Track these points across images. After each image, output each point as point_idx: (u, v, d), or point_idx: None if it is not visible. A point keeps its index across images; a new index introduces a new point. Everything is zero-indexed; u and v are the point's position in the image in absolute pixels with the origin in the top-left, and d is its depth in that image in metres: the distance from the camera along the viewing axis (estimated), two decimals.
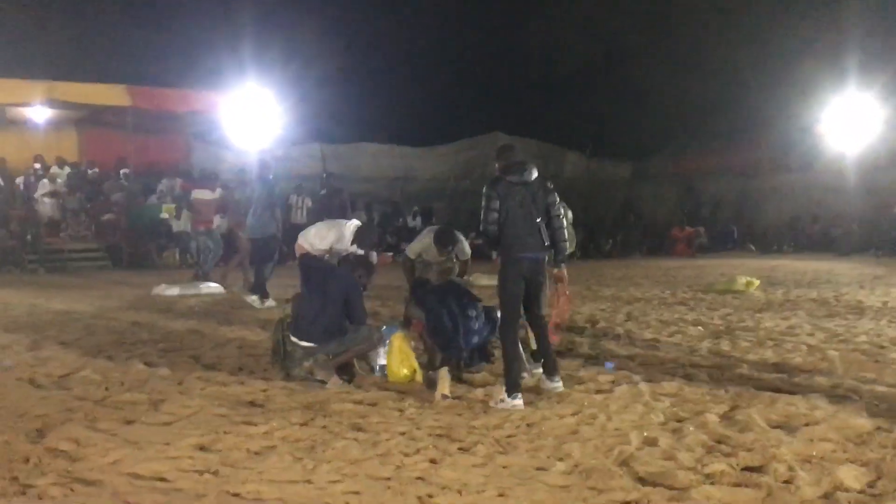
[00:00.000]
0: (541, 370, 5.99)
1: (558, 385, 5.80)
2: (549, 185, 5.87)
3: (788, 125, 23.92)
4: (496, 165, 5.99)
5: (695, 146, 28.66)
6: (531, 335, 6.26)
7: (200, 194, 15.04)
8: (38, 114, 19.76)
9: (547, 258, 5.85)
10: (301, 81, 21.38)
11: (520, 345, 5.94)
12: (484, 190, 5.68)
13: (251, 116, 19.70)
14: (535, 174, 5.72)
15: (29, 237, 17.94)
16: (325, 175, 14.17)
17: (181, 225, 19.15)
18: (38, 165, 20.04)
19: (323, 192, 12.63)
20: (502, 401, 5.43)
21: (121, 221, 19.17)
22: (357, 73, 27.96)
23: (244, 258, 12.93)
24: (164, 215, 19.41)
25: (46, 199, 19.27)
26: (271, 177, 11.59)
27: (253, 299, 10.88)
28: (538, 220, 5.66)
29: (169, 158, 22.59)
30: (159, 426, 4.94)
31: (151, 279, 14.65)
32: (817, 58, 23.00)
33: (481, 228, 5.64)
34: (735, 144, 27.05)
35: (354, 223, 7.95)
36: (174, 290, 12.59)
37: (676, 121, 29.73)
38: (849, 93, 21.03)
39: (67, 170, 20.59)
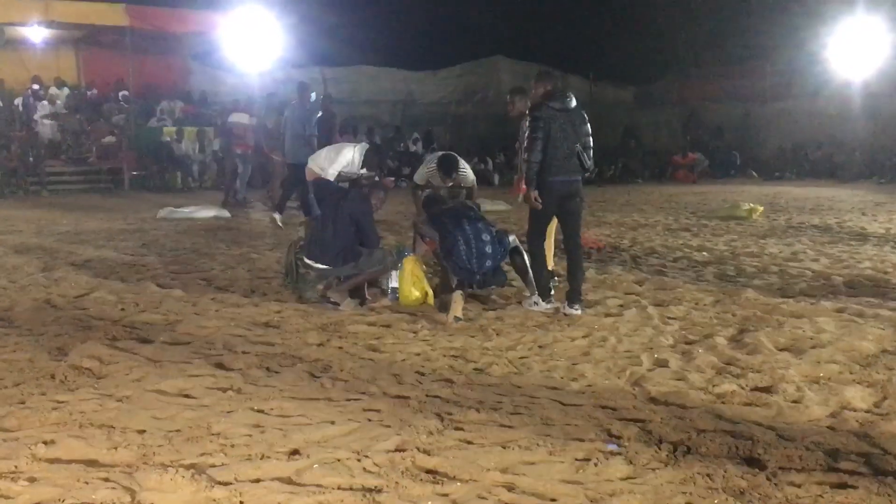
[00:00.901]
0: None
1: (577, 311, 5.94)
2: (585, 114, 6.10)
3: (794, 51, 23.62)
4: (536, 91, 6.14)
5: (698, 72, 28.38)
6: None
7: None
8: (35, 34, 19.40)
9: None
10: (302, 2, 21.01)
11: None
12: (528, 117, 5.96)
13: (251, 38, 19.39)
14: (574, 102, 6.00)
15: (30, 159, 17.84)
16: (321, 97, 14.01)
17: (183, 147, 19.12)
18: (36, 86, 19.78)
19: (319, 115, 12.71)
20: (536, 303, 5.98)
21: (121, 143, 19.04)
22: None
23: (277, 180, 13.03)
24: (166, 138, 19.31)
25: (46, 121, 19.11)
26: (311, 102, 11.57)
27: (275, 217, 11.03)
28: (576, 145, 5.94)
29: (168, 80, 22.29)
30: (179, 346, 5.04)
31: (155, 201, 14.68)
32: None
33: (527, 156, 5.86)
34: (739, 70, 26.77)
35: (363, 146, 7.93)
36: (179, 213, 12.61)
37: (680, 46, 29.35)
38: (856, 17, 20.71)
39: (66, 91, 20.35)
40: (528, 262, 6.26)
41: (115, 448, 3.33)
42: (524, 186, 6.01)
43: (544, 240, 6.27)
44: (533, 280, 6.26)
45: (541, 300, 6.07)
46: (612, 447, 3.22)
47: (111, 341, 5.08)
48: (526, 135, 6.00)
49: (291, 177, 11.32)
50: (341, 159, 7.85)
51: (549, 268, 6.62)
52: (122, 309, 6.04)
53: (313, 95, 11.67)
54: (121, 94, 20.38)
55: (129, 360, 4.64)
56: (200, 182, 19.40)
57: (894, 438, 3.41)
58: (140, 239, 10.13)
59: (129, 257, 8.59)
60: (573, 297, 6.01)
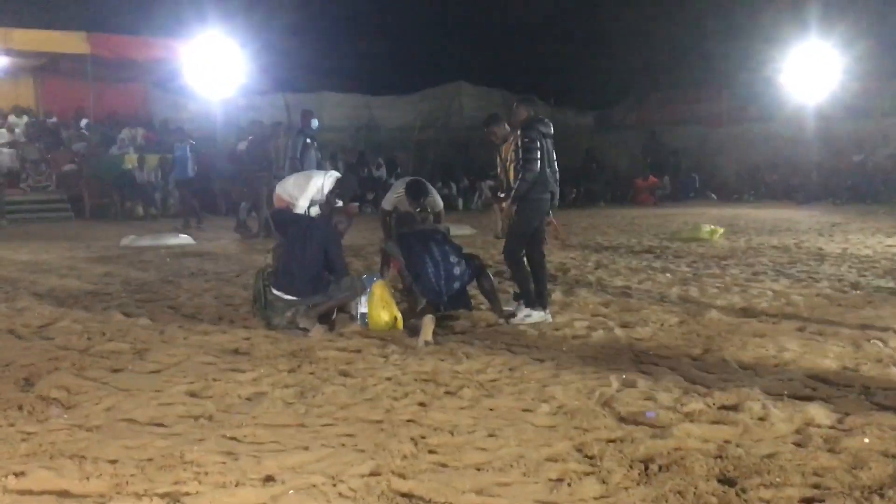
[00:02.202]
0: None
1: (548, 317, 6.36)
2: None
3: (750, 75, 24.14)
4: (519, 115, 6.49)
5: (657, 96, 28.86)
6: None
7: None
8: None
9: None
10: (264, 30, 21.07)
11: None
12: (524, 136, 6.30)
13: (213, 65, 19.39)
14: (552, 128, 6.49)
15: None
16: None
17: (144, 175, 18.99)
18: None
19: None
20: (529, 316, 6.23)
21: (82, 171, 18.86)
22: (320, 22, 27.58)
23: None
24: (128, 166, 19.16)
25: (4, 150, 18.89)
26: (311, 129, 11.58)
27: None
28: (551, 166, 6.43)
29: (129, 107, 22.20)
30: (147, 374, 5.01)
31: (117, 230, 14.54)
32: (778, 6, 23.15)
33: (529, 168, 6.23)
34: (696, 94, 27.27)
35: (334, 174, 7.94)
36: (143, 241, 12.51)
37: (639, 70, 29.83)
38: (809, 42, 21.24)
39: (25, 119, 20.16)
40: (495, 283, 6.62)
41: (87, 478, 3.30)
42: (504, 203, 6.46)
43: (523, 255, 6.54)
44: (499, 301, 6.46)
45: (532, 311, 6.31)
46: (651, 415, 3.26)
47: (79, 371, 5.03)
48: (521, 154, 6.27)
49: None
50: (311, 187, 7.84)
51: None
52: (89, 338, 5.98)
53: (314, 122, 11.60)
54: (82, 121, 20.21)
55: (98, 390, 4.60)
56: (163, 210, 19.27)
57: (858, 453, 3.49)
58: (104, 267, 10.03)
59: (93, 286, 8.51)
60: (544, 301, 6.40)
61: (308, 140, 11.32)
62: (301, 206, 7.62)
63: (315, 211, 7.53)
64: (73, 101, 20.63)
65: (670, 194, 24.57)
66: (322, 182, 7.80)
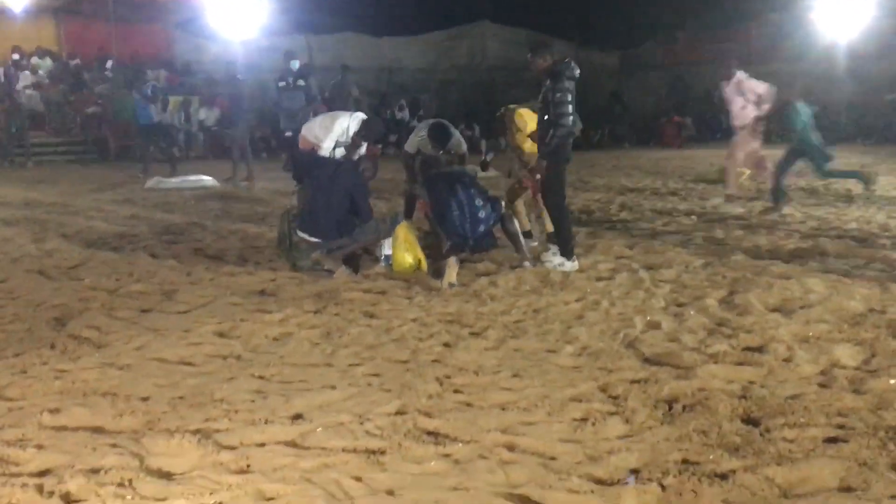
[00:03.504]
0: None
1: (576, 266, 6.33)
2: None
3: (780, 13, 23.57)
4: (542, 63, 6.24)
5: (684, 36, 28.25)
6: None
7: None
8: (15, 3, 19.15)
9: None
10: None
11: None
12: (555, 89, 6.06)
13: (235, 5, 19.19)
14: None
15: (14, 130, 17.69)
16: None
17: (168, 118, 18.96)
18: (17, 56, 19.57)
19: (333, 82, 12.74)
20: (562, 265, 6.20)
21: (106, 114, 18.88)
22: None
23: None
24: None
25: (28, 91, 18.93)
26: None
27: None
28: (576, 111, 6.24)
29: (151, 49, 22.08)
30: (176, 314, 5.09)
31: (142, 172, 14.60)
32: None
33: (562, 123, 6.06)
34: (725, 34, 26.67)
35: (359, 115, 7.86)
36: (169, 183, 12.58)
37: (665, 10, 29.20)
38: None
39: (49, 60, 20.14)
40: (518, 227, 6.61)
41: (121, 415, 3.38)
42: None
43: (564, 200, 6.49)
44: (524, 244, 6.49)
45: (566, 261, 6.27)
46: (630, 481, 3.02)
47: (108, 311, 5.12)
48: (552, 108, 6.08)
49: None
50: (336, 128, 7.76)
51: (527, 228, 7.30)
52: (117, 279, 6.06)
53: (294, 63, 11.32)
54: (108, 63, 20.15)
55: (129, 329, 4.69)
56: (187, 153, 19.30)
57: (883, 394, 3.49)
58: (130, 209, 10.12)
59: (119, 228, 8.59)
60: (570, 250, 6.35)
61: (285, 83, 11.15)
62: (326, 148, 7.56)
63: (340, 152, 7.48)
64: (96, 42, 20.55)
65: (696, 136, 24.24)
66: (348, 124, 7.71)
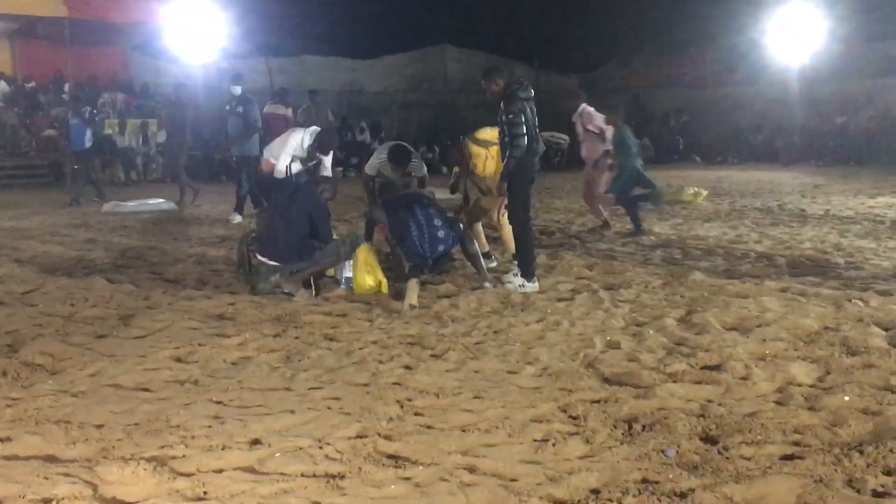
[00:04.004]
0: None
1: (537, 287, 6.34)
2: None
3: (735, 38, 24.03)
4: (494, 87, 6.37)
5: (641, 59, 28.70)
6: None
7: (273, 109, 14.75)
8: None
9: None
10: None
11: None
12: (507, 112, 6.17)
13: (194, 28, 19.09)
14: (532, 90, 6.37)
15: None
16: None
17: (125, 140, 18.79)
18: None
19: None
20: (522, 286, 6.20)
21: (62, 137, 18.60)
22: None
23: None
24: (108, 131, 18.94)
25: None
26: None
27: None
28: (536, 127, 6.33)
29: (108, 71, 21.86)
30: (132, 340, 5.01)
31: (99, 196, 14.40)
32: None
33: (516, 145, 6.13)
34: (681, 56, 27.15)
35: (314, 128, 7.87)
36: (125, 207, 12.43)
37: (623, 33, 29.67)
38: (793, 4, 21.14)
39: (3, 84, 19.84)
40: (478, 248, 6.66)
41: (74, 443, 3.31)
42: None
43: (530, 220, 6.55)
44: (484, 265, 6.52)
45: (527, 282, 6.27)
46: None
47: (63, 337, 5.02)
48: (506, 130, 6.19)
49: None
50: (291, 143, 7.79)
51: (486, 249, 7.34)
52: (72, 304, 5.95)
53: (235, 90, 11.25)
54: (66, 85, 19.88)
55: (83, 356, 4.60)
56: (145, 175, 19.10)
57: (838, 411, 3.54)
58: (86, 234, 9.97)
59: (75, 252, 8.45)
60: (532, 271, 6.39)
61: (228, 107, 11.17)
62: (283, 163, 7.55)
63: (297, 167, 7.46)
64: (52, 65, 20.27)
65: (654, 157, 24.54)
66: (302, 137, 7.74)
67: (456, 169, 7.85)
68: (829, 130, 21.56)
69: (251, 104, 11.30)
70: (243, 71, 21.12)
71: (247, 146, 11.10)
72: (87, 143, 14.28)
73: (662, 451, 3.12)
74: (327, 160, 8.21)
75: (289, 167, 7.50)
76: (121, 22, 19.84)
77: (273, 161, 7.68)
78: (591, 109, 9.73)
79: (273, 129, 12.69)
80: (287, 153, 7.66)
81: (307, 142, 7.79)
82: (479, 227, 7.47)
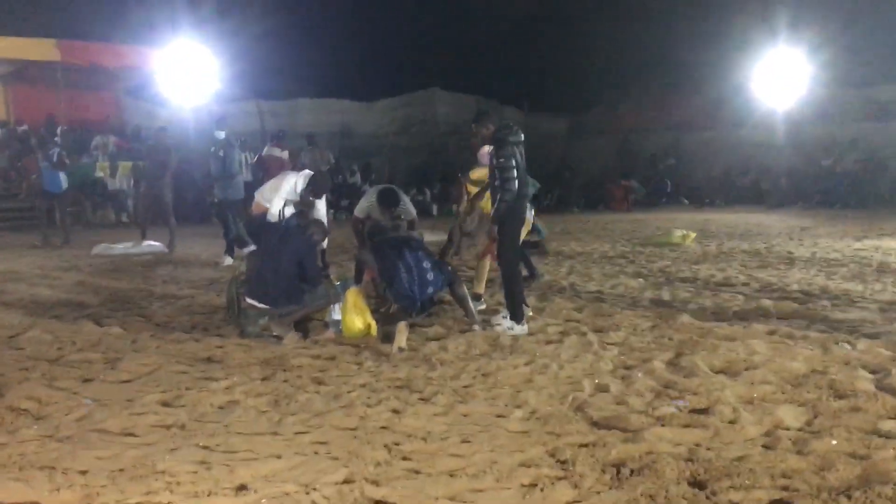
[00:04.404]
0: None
1: (526, 330, 6.37)
2: None
3: (721, 81, 24.38)
4: (485, 131, 6.55)
5: (630, 102, 29.05)
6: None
7: (272, 151, 14.85)
8: None
9: None
10: (237, 36, 20.94)
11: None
12: (498, 156, 6.23)
13: (186, 72, 19.28)
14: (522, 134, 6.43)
15: None
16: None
17: (116, 183, 18.84)
18: None
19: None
20: (511, 328, 6.21)
21: (38, 182, 18.61)
22: (294, 28, 27.43)
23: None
24: (99, 173, 19.00)
25: None
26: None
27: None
28: (526, 171, 6.41)
29: (100, 115, 21.99)
30: (119, 384, 4.98)
31: (88, 239, 14.40)
32: (748, 14, 23.42)
33: (507, 188, 6.18)
34: (669, 100, 27.50)
35: (306, 172, 7.94)
36: (115, 250, 12.42)
37: (612, 77, 30.02)
38: (778, 49, 21.51)
39: None
40: (476, 289, 6.94)
41: (58, 489, 3.28)
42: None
43: (519, 263, 6.62)
44: (473, 308, 6.53)
45: (516, 324, 6.28)
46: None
47: (49, 381, 4.99)
48: (497, 174, 6.25)
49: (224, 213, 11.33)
50: (284, 186, 7.85)
51: (480, 291, 7.34)
52: (59, 348, 5.93)
53: (219, 134, 11.35)
54: (59, 129, 19.97)
55: (69, 400, 4.57)
56: (136, 218, 19.08)
57: (826, 455, 3.54)
58: (76, 276, 9.94)
59: (64, 295, 8.43)
60: (521, 313, 6.38)
61: (213, 149, 11.29)
62: (276, 206, 7.59)
63: (290, 210, 7.50)
64: (44, 108, 20.40)
65: (643, 199, 24.75)
66: (295, 181, 7.80)
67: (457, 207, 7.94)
68: (815, 173, 21.79)
69: (232, 148, 11.42)
70: (236, 114, 21.39)
71: (230, 189, 11.18)
72: (63, 185, 14.09)
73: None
74: (321, 204, 8.25)
75: (282, 211, 7.53)
76: (113, 66, 20.06)
77: (266, 205, 7.71)
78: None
79: (270, 172, 12.78)
80: (280, 197, 7.70)
81: (300, 185, 7.84)
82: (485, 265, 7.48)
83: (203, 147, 13.01)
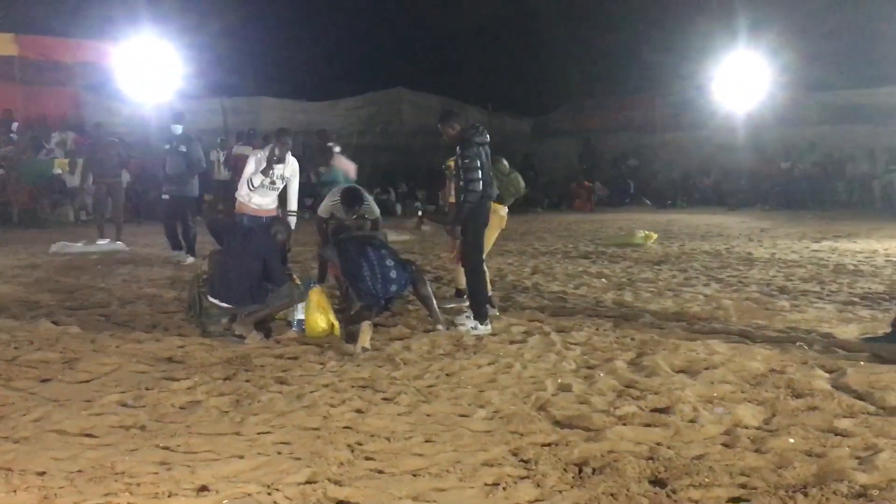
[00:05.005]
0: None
1: (495, 311, 6.57)
2: None
3: (682, 84, 24.65)
4: (450, 131, 6.49)
5: (592, 103, 29.25)
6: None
7: (242, 150, 14.68)
8: None
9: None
10: (199, 33, 20.71)
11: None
12: (463, 156, 6.27)
13: (147, 68, 19.01)
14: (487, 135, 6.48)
15: None
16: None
17: (75, 180, 18.53)
18: None
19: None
20: (475, 328, 6.22)
21: (10, 177, 18.32)
22: (257, 25, 27.23)
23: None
24: (58, 170, 18.68)
25: None
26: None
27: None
28: (490, 171, 6.46)
29: (59, 111, 21.59)
30: (77, 384, 4.91)
31: (46, 237, 14.16)
32: (709, 18, 23.71)
33: (472, 189, 6.22)
34: (631, 102, 27.75)
35: (266, 148, 7.99)
36: (73, 248, 12.22)
37: (574, 78, 30.22)
38: (738, 53, 21.80)
39: None
40: (432, 289, 6.63)
41: (15, 491, 3.24)
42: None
43: (482, 263, 6.61)
44: (437, 308, 6.54)
45: (479, 324, 6.30)
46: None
47: (6, 381, 4.91)
48: (461, 175, 6.27)
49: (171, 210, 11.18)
50: (249, 166, 7.88)
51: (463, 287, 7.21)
52: (16, 347, 5.82)
53: (175, 129, 11.17)
54: (13, 125, 19.61)
55: (27, 401, 4.50)
56: (94, 215, 18.81)
57: (784, 453, 3.60)
58: (33, 275, 9.77)
59: (21, 294, 8.28)
60: (484, 313, 6.42)
61: (168, 146, 11.13)
62: (255, 181, 7.69)
63: (259, 180, 7.62)
64: (1, 104, 20.02)
65: (606, 200, 24.93)
66: (258, 156, 7.89)
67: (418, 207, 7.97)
68: (775, 175, 22.11)
69: (193, 143, 11.24)
70: (198, 110, 21.15)
71: (187, 186, 11.01)
72: None
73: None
74: (293, 192, 8.19)
75: (252, 187, 7.70)
76: (72, 62, 19.72)
77: (244, 199, 7.85)
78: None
79: (240, 170, 12.67)
80: (252, 176, 7.78)
81: (262, 157, 7.86)
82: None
83: (162, 144, 12.84)
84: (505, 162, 7.65)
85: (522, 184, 7.75)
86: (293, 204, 8.21)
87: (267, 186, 7.86)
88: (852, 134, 21.56)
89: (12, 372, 5.14)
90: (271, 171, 7.77)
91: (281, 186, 8.00)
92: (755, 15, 22.11)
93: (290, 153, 7.96)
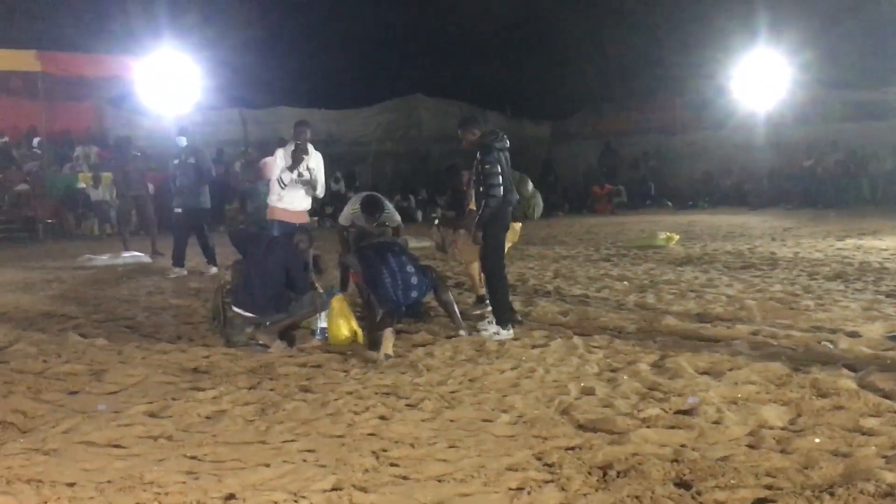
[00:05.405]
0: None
1: (511, 334, 6.37)
2: None
3: (702, 84, 24.53)
4: (471, 136, 6.53)
5: (612, 105, 29.17)
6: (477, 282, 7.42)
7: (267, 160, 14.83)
8: None
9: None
10: (219, 46, 20.89)
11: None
12: (483, 161, 6.31)
13: (167, 82, 19.20)
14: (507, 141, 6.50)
15: None
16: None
17: (100, 193, 18.76)
18: None
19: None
20: (497, 334, 6.21)
21: (35, 192, 18.57)
22: (276, 37, 27.40)
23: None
24: (82, 184, 18.92)
25: None
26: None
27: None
28: (510, 177, 6.50)
29: (82, 125, 21.88)
30: (105, 395, 4.97)
31: (72, 250, 14.34)
32: (729, 17, 23.58)
33: (492, 194, 6.25)
34: (650, 103, 27.66)
35: (287, 147, 8.10)
36: (99, 260, 12.36)
37: (593, 81, 30.16)
38: (759, 52, 21.66)
39: None
40: (453, 295, 6.68)
41: (45, 502, 3.28)
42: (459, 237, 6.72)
43: (503, 268, 6.59)
44: (458, 313, 6.56)
45: (502, 329, 6.29)
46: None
47: (35, 394, 4.98)
48: (482, 180, 6.31)
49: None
50: (276, 167, 8.03)
51: (482, 292, 7.30)
52: (45, 360, 5.90)
53: (181, 141, 11.19)
54: (35, 140, 19.88)
55: (55, 413, 4.56)
56: (119, 229, 19.00)
57: (809, 453, 3.58)
58: (60, 288, 9.90)
59: (48, 307, 8.39)
60: (506, 318, 6.41)
61: (178, 160, 11.15)
62: (285, 178, 7.82)
63: (289, 177, 7.84)
64: (25, 119, 20.26)
65: (627, 202, 24.85)
66: (281, 151, 8.02)
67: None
68: (797, 174, 21.94)
69: (201, 153, 11.30)
70: (218, 122, 21.32)
71: (202, 197, 11.06)
72: None
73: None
74: (320, 181, 8.23)
75: (281, 181, 7.90)
76: (94, 76, 19.93)
77: (273, 203, 7.99)
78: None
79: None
80: (283, 168, 7.91)
81: (287, 156, 7.96)
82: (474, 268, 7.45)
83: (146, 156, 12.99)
84: (531, 184, 7.73)
85: (538, 213, 7.91)
86: (320, 189, 8.23)
87: (297, 180, 7.95)
88: (875, 131, 21.38)
89: (41, 384, 5.21)
90: (298, 165, 7.89)
91: (309, 178, 8.04)
92: (775, 13, 21.98)
93: (311, 144, 8.06)
